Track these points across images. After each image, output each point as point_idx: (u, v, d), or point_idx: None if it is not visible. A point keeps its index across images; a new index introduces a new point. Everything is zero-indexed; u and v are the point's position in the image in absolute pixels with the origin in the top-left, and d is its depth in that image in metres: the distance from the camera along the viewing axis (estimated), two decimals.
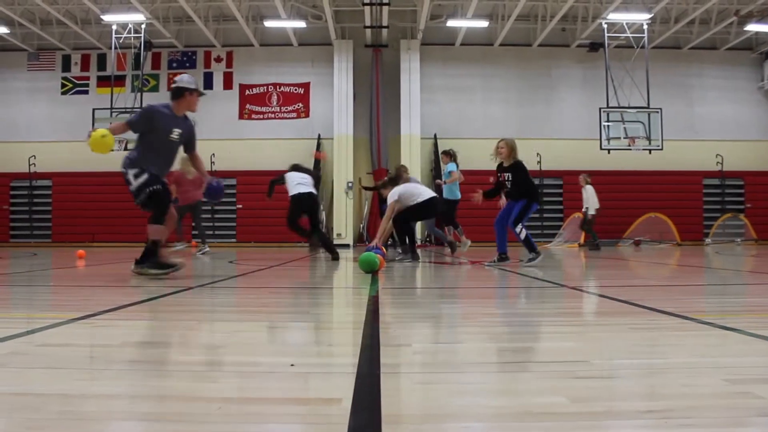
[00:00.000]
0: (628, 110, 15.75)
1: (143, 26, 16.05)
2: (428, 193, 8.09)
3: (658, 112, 15.70)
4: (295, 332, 2.61)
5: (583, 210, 14.02)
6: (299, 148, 17.85)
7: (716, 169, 17.88)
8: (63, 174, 17.53)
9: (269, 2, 15.69)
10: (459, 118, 18.00)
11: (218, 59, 18.33)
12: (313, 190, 8.75)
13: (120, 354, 2.05)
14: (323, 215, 9.01)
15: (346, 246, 16.40)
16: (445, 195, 10.60)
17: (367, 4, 15.61)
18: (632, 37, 15.87)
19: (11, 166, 17.78)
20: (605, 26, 15.82)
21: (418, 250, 8.96)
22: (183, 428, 1.25)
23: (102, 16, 15.73)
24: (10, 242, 17.59)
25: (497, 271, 6.38)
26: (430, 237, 16.08)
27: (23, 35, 17.60)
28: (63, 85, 18.37)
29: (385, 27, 16.73)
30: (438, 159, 16.51)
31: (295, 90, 18.31)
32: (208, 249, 11.19)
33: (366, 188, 14.98)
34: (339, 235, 17.23)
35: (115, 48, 16.29)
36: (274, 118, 18.24)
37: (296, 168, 9.08)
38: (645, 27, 15.71)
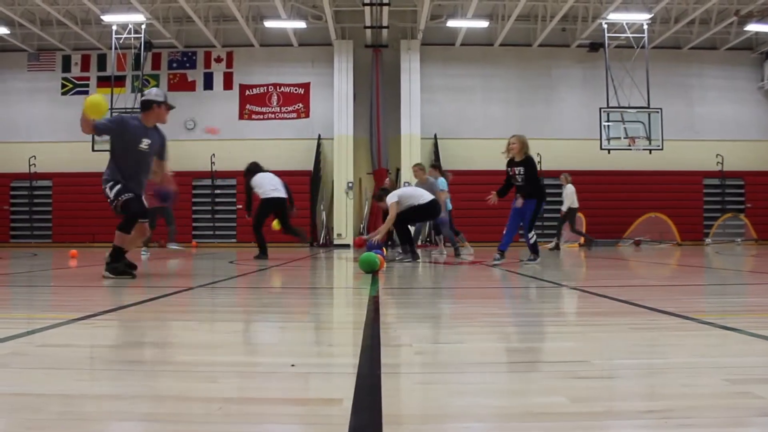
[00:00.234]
0: (628, 110, 15.75)
1: (143, 26, 16.05)
2: (428, 196, 8.15)
3: (658, 112, 15.70)
4: (295, 332, 2.61)
5: (562, 208, 14.02)
6: (299, 149, 17.86)
7: (716, 169, 17.88)
8: (63, 174, 17.53)
9: (269, 2, 15.69)
10: (459, 118, 18.01)
11: (218, 59, 18.33)
12: (285, 195, 8.83)
13: (120, 354, 2.05)
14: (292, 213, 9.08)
15: (347, 246, 16.40)
16: None
17: (367, 5, 15.61)
18: (632, 37, 15.88)
19: (11, 166, 17.78)
20: (605, 26, 15.82)
21: (418, 251, 8.97)
22: (183, 428, 1.25)
23: (102, 17, 15.73)
24: (10, 242, 17.59)
25: (497, 271, 6.38)
26: (431, 237, 16.06)
27: (23, 36, 17.60)
28: (63, 86, 18.37)
29: (385, 27, 16.73)
30: (438, 159, 16.53)
31: (295, 90, 18.31)
32: (176, 246, 11.37)
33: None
34: (339, 235, 17.23)
35: (115, 48, 16.29)
36: (274, 118, 18.24)
37: (260, 168, 9.04)
38: (645, 27, 15.72)
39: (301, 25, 16.93)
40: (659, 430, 1.22)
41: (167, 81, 18.13)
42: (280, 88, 18.30)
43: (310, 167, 17.60)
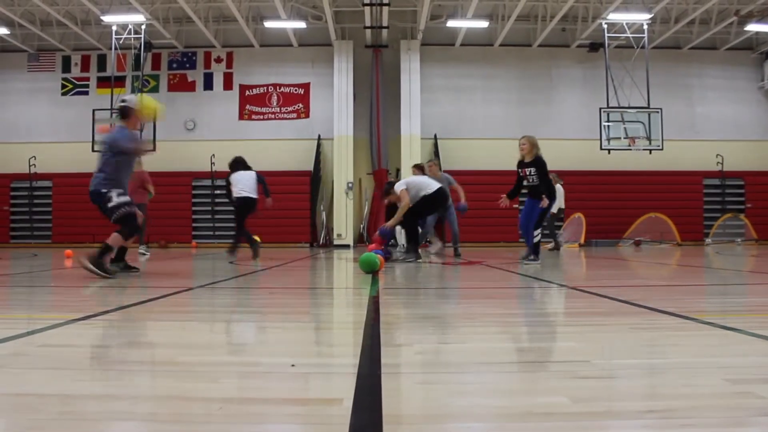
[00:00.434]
0: (629, 110, 15.76)
1: (143, 27, 16.06)
2: (435, 184, 8.17)
3: (658, 112, 15.70)
4: (295, 332, 2.61)
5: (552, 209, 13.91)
6: (299, 149, 17.86)
7: (716, 169, 17.89)
8: (63, 175, 17.52)
9: (269, 3, 15.70)
10: (459, 118, 18.01)
11: (218, 60, 18.33)
12: (255, 195, 8.86)
13: (120, 354, 2.05)
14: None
15: (347, 246, 16.40)
16: None
17: (367, 5, 15.62)
18: (632, 37, 15.88)
19: (11, 166, 17.80)
20: (605, 26, 15.83)
21: (420, 250, 8.96)
22: (183, 428, 1.25)
23: (102, 17, 15.73)
24: (10, 243, 17.60)
25: (497, 271, 6.38)
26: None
27: (23, 36, 17.61)
28: (63, 86, 18.38)
29: (385, 27, 16.73)
30: (439, 159, 16.51)
31: (295, 90, 18.32)
32: (147, 253, 10.97)
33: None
34: (339, 235, 17.23)
35: (115, 49, 16.29)
36: (274, 118, 18.24)
37: (240, 165, 9.04)
38: (645, 27, 15.72)
39: (301, 25, 16.94)
40: (660, 430, 1.22)
41: (167, 81, 18.12)
42: (280, 89, 18.31)
43: (310, 167, 17.61)
